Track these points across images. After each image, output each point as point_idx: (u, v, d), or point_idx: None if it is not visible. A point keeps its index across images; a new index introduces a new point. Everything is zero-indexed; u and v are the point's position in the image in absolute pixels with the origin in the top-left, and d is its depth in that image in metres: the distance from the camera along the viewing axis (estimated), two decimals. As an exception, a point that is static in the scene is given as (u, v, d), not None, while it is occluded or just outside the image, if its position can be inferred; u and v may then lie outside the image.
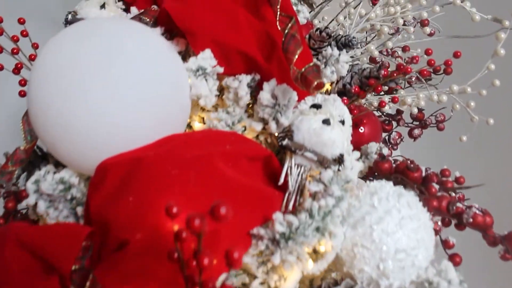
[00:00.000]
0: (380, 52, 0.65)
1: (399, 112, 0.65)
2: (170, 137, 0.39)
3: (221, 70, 0.44)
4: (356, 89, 0.51)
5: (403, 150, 0.74)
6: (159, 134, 0.39)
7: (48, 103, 0.37)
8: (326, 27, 0.48)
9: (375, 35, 0.65)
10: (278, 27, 0.43)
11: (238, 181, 0.38)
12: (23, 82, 0.54)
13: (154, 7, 0.52)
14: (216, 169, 0.37)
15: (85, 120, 0.37)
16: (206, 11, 0.45)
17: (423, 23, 0.59)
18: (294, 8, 0.52)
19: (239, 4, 0.46)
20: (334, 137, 0.42)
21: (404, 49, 0.68)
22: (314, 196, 0.39)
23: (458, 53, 0.54)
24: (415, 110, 0.59)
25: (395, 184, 0.53)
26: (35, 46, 0.56)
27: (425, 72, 0.51)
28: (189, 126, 0.48)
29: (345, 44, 0.50)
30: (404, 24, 0.62)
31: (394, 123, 0.65)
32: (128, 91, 0.37)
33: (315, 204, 0.38)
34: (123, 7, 0.54)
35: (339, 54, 0.51)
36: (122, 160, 0.37)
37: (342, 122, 0.44)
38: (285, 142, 0.43)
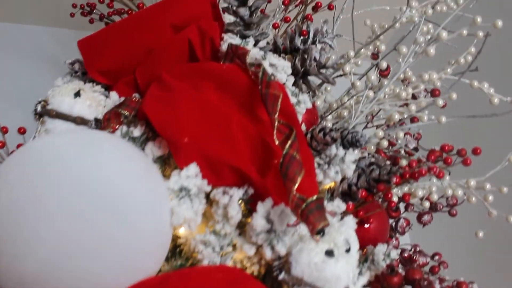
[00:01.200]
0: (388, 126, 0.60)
1: (407, 195, 0.59)
2: (144, 283, 0.33)
3: (208, 188, 0.38)
4: (363, 193, 0.45)
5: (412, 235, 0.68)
6: (132, 277, 0.33)
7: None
8: (331, 129, 0.42)
9: (379, 110, 0.60)
10: (276, 140, 0.37)
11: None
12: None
13: (136, 96, 0.46)
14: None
15: (41, 269, 0.31)
16: (193, 117, 0.39)
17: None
18: (295, 99, 0.46)
19: (232, 108, 0.40)
20: (339, 271, 0.37)
21: (413, 120, 0.63)
22: None
23: (478, 150, 0.48)
24: (427, 205, 0.53)
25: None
26: (3, 131, 0.50)
27: (441, 175, 0.45)
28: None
29: (351, 142, 0.45)
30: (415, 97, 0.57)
31: (402, 208, 0.59)
32: (93, 232, 0.31)
33: None
34: (102, 89, 0.48)
35: (345, 154, 0.45)
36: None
37: (348, 249, 0.38)
38: (281, 276, 0.37)
